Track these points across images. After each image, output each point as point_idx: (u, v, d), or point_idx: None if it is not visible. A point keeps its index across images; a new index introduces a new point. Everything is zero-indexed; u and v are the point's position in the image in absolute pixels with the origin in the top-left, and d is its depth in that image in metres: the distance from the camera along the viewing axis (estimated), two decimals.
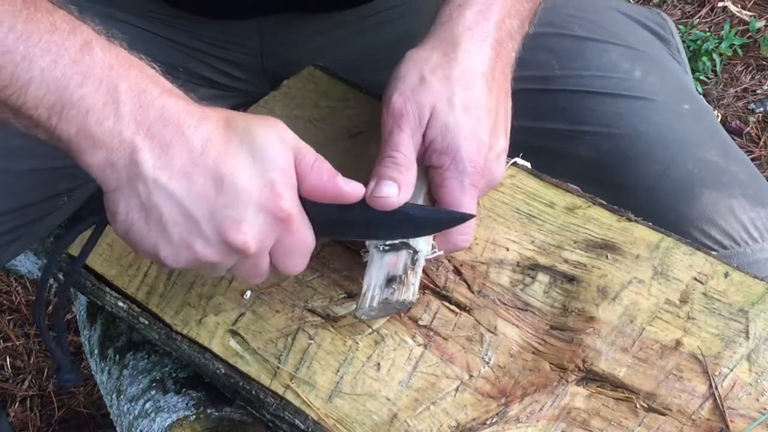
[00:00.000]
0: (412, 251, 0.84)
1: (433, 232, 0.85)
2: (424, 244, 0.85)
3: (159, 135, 0.74)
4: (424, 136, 0.85)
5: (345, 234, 0.86)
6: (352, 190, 0.80)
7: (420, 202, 0.87)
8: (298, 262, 0.81)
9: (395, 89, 0.85)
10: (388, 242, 0.84)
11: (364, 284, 0.84)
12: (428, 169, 0.86)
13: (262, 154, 0.76)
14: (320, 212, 0.80)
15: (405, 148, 0.84)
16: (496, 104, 0.87)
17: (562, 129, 1.06)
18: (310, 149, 0.79)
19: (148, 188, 0.75)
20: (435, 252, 0.86)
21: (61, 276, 0.98)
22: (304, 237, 0.80)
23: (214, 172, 0.75)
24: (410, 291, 0.83)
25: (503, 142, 0.88)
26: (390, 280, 0.83)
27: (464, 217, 0.84)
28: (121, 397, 1.01)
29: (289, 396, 0.84)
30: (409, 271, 0.84)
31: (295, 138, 0.79)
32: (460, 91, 0.84)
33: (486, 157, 0.85)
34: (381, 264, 0.84)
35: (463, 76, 0.85)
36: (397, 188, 0.82)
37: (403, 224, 0.83)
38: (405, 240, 0.84)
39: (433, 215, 0.85)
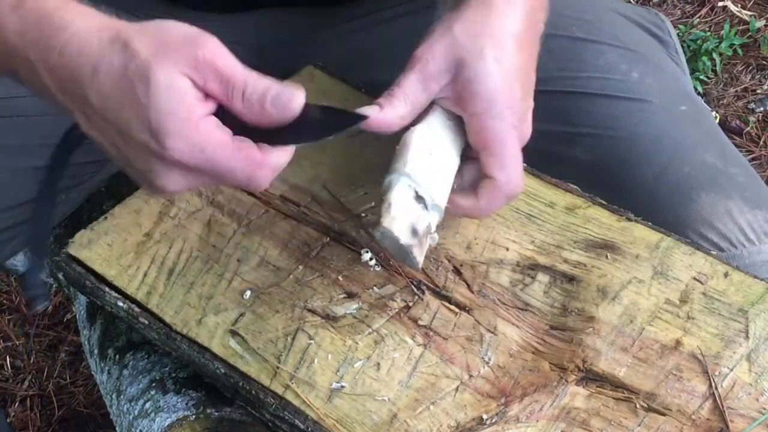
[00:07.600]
0: (428, 225, 0.81)
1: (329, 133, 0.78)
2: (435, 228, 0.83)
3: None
4: (454, 86, 0.82)
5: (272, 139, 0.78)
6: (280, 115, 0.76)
7: (456, 157, 0.84)
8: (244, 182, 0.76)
9: (421, 42, 0.83)
10: (417, 191, 0.80)
11: (391, 202, 0.79)
12: (466, 120, 0.83)
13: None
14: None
15: (407, 86, 0.82)
16: (527, 65, 0.85)
17: (558, 131, 1.06)
18: (235, 73, 0.78)
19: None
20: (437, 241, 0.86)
21: (61, 276, 0.98)
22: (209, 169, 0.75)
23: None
24: (421, 258, 0.80)
25: (531, 102, 0.85)
26: (413, 231, 0.79)
27: (359, 117, 0.79)
28: (121, 397, 1.01)
29: (289, 396, 0.84)
30: (424, 238, 0.80)
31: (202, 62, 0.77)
32: (490, 45, 0.82)
33: (520, 107, 0.82)
34: (409, 202, 0.80)
35: (495, 34, 0.83)
36: (378, 108, 0.81)
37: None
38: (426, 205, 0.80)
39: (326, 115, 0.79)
